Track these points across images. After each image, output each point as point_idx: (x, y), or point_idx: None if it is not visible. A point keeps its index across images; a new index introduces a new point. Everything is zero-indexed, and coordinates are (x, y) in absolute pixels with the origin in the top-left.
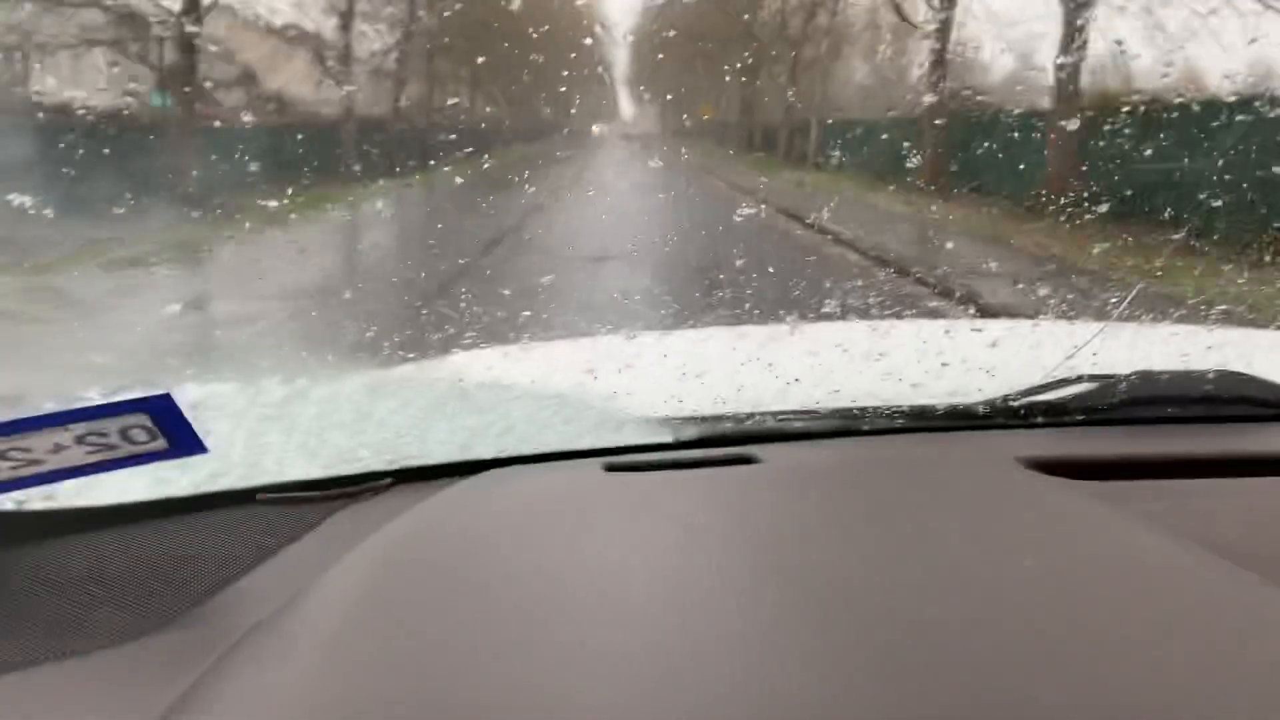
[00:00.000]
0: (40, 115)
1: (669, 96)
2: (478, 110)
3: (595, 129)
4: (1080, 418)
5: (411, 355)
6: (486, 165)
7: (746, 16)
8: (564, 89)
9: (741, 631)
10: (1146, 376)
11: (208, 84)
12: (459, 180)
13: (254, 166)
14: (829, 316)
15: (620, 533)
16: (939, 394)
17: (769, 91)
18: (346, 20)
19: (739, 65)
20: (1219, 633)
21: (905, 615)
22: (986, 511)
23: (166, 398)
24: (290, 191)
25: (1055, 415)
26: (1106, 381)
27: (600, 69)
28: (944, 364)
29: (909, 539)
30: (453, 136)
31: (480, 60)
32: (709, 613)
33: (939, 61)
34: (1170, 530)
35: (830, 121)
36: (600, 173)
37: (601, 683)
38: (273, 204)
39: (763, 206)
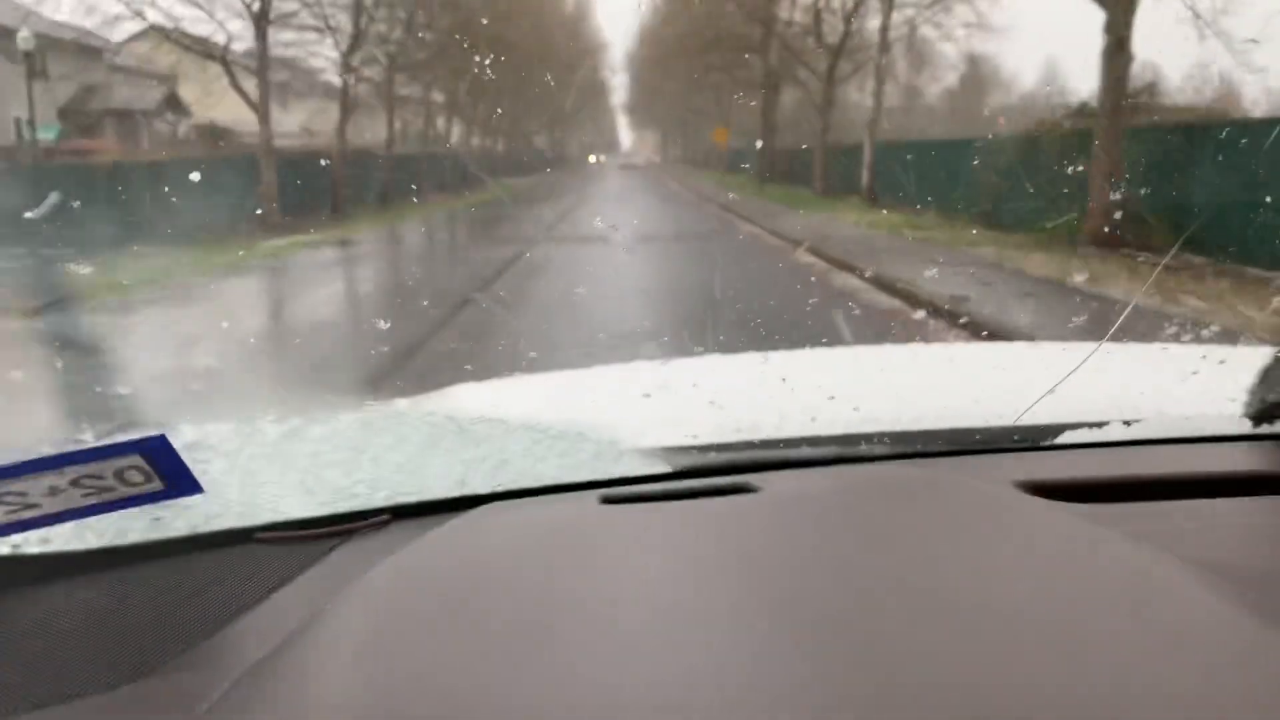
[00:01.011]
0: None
1: (675, 121)
2: (459, 141)
3: (592, 159)
4: (1078, 439)
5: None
6: (467, 206)
7: (765, 20)
8: (557, 117)
9: (731, 663)
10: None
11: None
12: (431, 224)
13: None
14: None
15: (615, 565)
16: (938, 418)
17: (800, 108)
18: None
19: (758, 78)
20: (1215, 655)
21: (896, 644)
22: (982, 537)
23: (161, 439)
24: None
25: (1053, 437)
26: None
27: (597, 93)
28: (943, 387)
29: (903, 566)
30: (428, 172)
31: (464, 87)
32: (700, 644)
33: (1119, 48)
34: (1165, 552)
35: (899, 142)
36: (598, 215)
37: (595, 716)
38: (218, 259)
39: (856, 281)
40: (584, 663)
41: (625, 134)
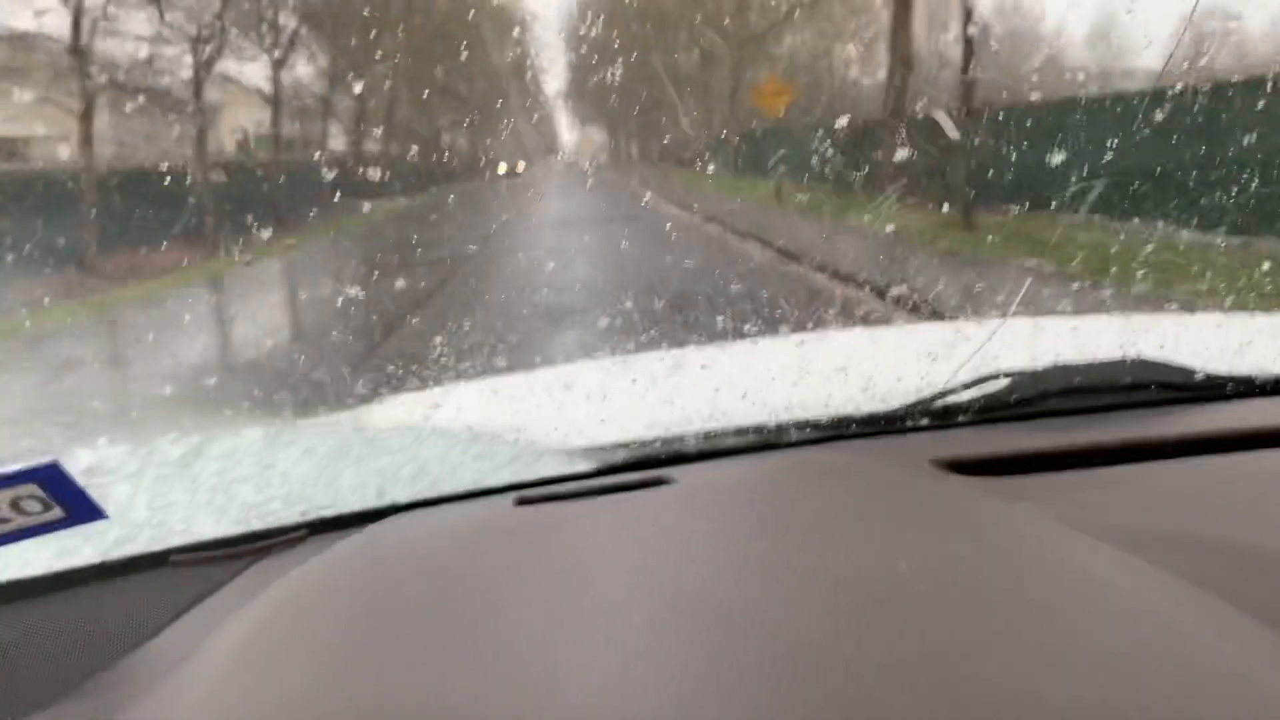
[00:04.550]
0: None
1: (633, 102)
2: (350, 149)
3: (504, 168)
4: (996, 414)
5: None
6: (338, 240)
7: None
8: (473, 114)
9: (624, 661)
10: (1060, 369)
11: None
12: (286, 265)
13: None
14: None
15: (522, 567)
16: (859, 401)
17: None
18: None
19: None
20: (1091, 622)
21: (796, 630)
22: (889, 518)
23: (54, 466)
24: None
25: (972, 414)
26: (1021, 376)
27: (520, 78)
28: (867, 369)
29: (810, 551)
30: (302, 192)
31: (355, 85)
32: (596, 645)
33: None
34: (1067, 522)
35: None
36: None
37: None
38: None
39: None
40: (474, 667)
41: (565, 132)
